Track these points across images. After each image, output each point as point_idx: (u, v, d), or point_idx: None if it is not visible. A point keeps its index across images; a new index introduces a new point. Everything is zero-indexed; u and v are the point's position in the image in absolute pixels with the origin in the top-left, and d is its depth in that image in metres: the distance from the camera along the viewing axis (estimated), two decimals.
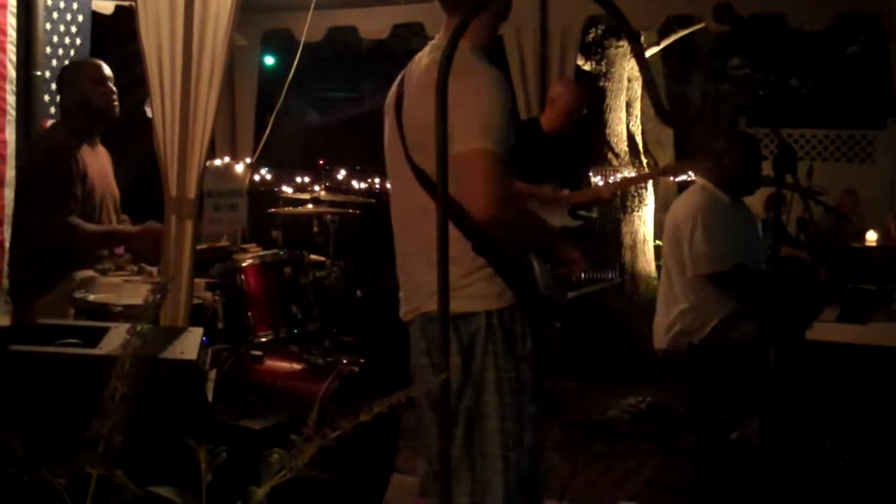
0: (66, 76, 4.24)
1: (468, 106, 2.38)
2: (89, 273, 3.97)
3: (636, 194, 8.72)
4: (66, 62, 4.64)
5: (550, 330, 2.77)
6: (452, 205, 2.40)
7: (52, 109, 4.46)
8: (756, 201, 8.19)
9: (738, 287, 4.32)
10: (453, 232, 2.42)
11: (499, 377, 2.53)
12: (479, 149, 2.38)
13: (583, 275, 8.89)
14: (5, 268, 3.47)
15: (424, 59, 2.64)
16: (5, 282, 3.48)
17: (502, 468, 2.54)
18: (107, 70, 4.19)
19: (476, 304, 2.54)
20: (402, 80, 2.68)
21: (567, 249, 2.73)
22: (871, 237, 9.47)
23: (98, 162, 4.20)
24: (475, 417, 2.54)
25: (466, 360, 2.53)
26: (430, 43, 2.73)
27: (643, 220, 9.04)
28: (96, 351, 2.66)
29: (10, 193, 3.49)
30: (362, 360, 4.01)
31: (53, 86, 4.44)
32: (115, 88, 4.19)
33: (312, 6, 4.76)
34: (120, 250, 4.29)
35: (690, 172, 5.33)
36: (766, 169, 3.90)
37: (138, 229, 4.17)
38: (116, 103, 4.20)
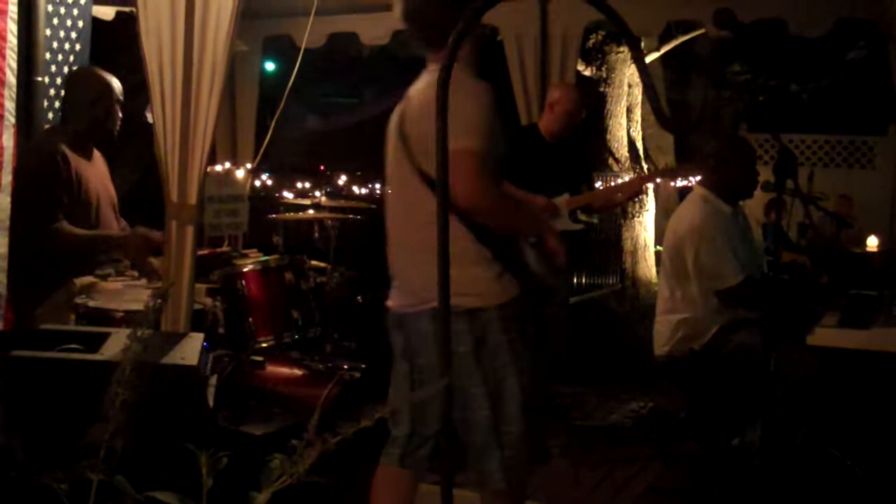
0: (77, 82, 4.21)
1: (456, 112, 2.55)
2: (89, 279, 3.96)
3: (637, 199, 8.72)
4: (76, 67, 4.61)
5: (554, 327, 3.00)
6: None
7: (51, 115, 4.44)
8: (755, 206, 8.20)
9: (747, 301, 4.30)
10: (466, 234, 2.86)
11: (514, 361, 2.90)
12: (464, 147, 2.73)
13: (584, 280, 8.90)
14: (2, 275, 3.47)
15: (421, 83, 3.02)
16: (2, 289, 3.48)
17: (524, 441, 2.92)
18: (119, 90, 4.17)
19: (487, 300, 2.88)
20: (403, 107, 3.03)
21: (550, 236, 3.05)
22: (872, 242, 9.47)
23: (94, 167, 4.18)
24: (497, 399, 2.89)
25: (478, 349, 2.87)
26: (425, 72, 3.09)
27: (644, 226, 9.04)
28: (97, 356, 2.66)
29: (5, 199, 3.49)
30: (363, 366, 4.01)
31: (52, 90, 4.43)
32: (120, 112, 4.18)
33: (313, 12, 4.77)
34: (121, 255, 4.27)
35: (690, 178, 5.34)
36: (767, 174, 3.90)
37: (126, 233, 4.15)
38: (120, 124, 4.19)
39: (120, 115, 4.18)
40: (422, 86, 3.00)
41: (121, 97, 4.18)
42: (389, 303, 3.15)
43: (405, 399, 2.98)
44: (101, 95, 4.11)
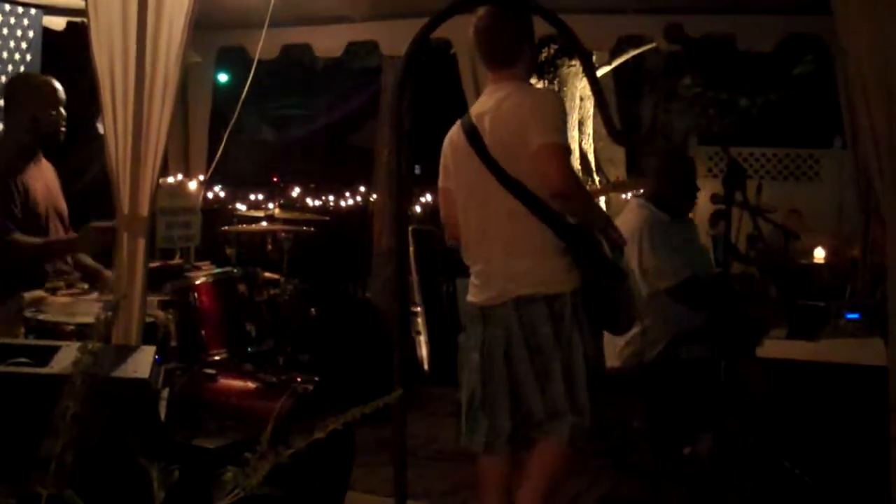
0: (16, 89, 4.15)
1: (541, 112, 3.27)
2: (39, 293, 3.91)
3: None
4: (19, 75, 4.56)
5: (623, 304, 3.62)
6: (537, 202, 3.25)
7: (1, 126, 4.39)
8: (702, 218, 8.30)
9: (695, 297, 4.35)
10: (547, 229, 3.27)
11: (583, 339, 3.29)
12: (553, 141, 3.20)
13: None
14: None
15: (491, 101, 3.42)
16: None
17: (591, 410, 3.32)
18: (61, 92, 4.12)
19: (563, 286, 3.30)
20: (470, 125, 3.41)
21: (613, 227, 3.44)
22: (819, 254, 9.63)
23: (42, 177, 4.13)
24: (570, 371, 3.27)
25: (556, 328, 3.26)
26: (486, 92, 3.54)
27: None
28: (47, 370, 2.63)
29: None
30: (316, 378, 4.00)
31: (2, 101, 4.37)
32: (65, 112, 4.13)
33: (266, 24, 4.76)
34: (64, 265, 4.19)
35: (641, 190, 5.41)
36: (717, 187, 3.96)
37: (80, 234, 4.08)
38: (64, 128, 4.13)
39: (63, 117, 4.12)
40: (493, 103, 3.38)
41: (62, 98, 4.12)
42: (471, 298, 3.47)
43: (483, 388, 3.37)
44: (46, 99, 4.06)
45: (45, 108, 4.05)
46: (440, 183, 3.64)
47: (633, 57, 9.31)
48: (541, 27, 3.43)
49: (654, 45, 7.20)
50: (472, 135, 3.39)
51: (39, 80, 4.22)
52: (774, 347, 3.84)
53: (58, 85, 4.13)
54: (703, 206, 4.83)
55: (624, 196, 9.01)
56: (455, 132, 3.53)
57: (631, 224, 4.50)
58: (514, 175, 3.28)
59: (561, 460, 3.38)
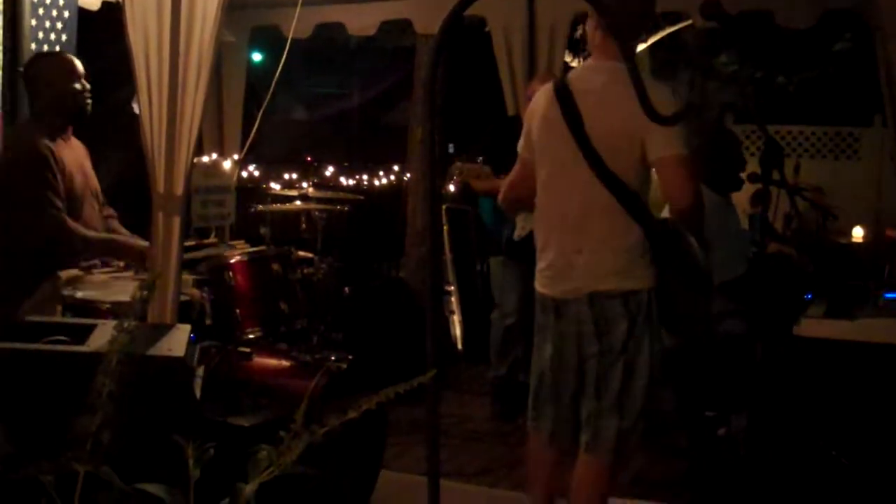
0: (34, 70, 4.13)
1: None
2: (75, 271, 3.94)
3: None
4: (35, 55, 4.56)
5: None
6: (634, 199, 3.09)
7: None
8: (742, 197, 8.21)
9: (747, 291, 4.32)
10: (630, 224, 3.10)
11: (651, 341, 3.15)
12: (681, 154, 3.06)
13: None
14: None
15: (595, 78, 3.19)
16: None
17: (640, 415, 3.18)
18: (78, 64, 4.11)
19: (642, 283, 3.15)
20: (569, 102, 3.18)
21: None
22: (858, 233, 9.51)
23: (73, 155, 4.14)
24: (629, 373, 3.15)
25: (632, 325, 3.13)
26: (587, 63, 3.34)
27: None
28: (83, 348, 2.65)
29: None
30: (350, 357, 4.01)
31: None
32: (88, 84, 4.13)
33: (300, 3, 4.75)
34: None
35: None
36: (754, 165, 3.92)
37: (140, 249, 4.07)
38: (90, 100, 4.14)
39: (87, 89, 4.12)
40: (598, 84, 3.15)
41: (81, 71, 4.10)
42: (543, 290, 3.32)
43: (553, 377, 3.29)
44: (64, 73, 4.06)
45: (66, 84, 4.05)
46: (519, 149, 3.45)
47: (669, 34, 9.20)
48: (575, 4, 3.40)
49: (690, 21, 7.11)
50: (572, 115, 3.17)
51: (56, 56, 4.22)
52: (812, 327, 3.80)
53: (75, 59, 4.13)
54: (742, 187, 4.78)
55: None
56: (546, 101, 3.30)
57: None
58: (614, 169, 3.10)
59: (607, 472, 3.25)
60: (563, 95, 3.22)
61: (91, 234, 4.02)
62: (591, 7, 3.15)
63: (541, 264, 3.34)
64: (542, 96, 3.33)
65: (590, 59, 3.33)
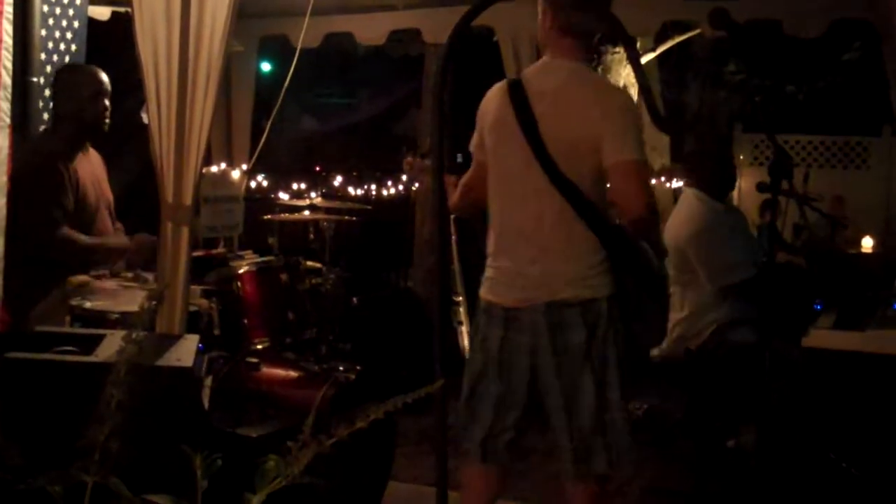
0: (63, 81, 4.19)
1: (620, 122, 2.95)
2: (83, 277, 3.95)
3: None
4: (67, 65, 4.60)
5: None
6: (590, 207, 2.96)
7: (46, 115, 4.43)
8: (751, 207, 8.20)
9: (759, 293, 4.31)
10: (586, 232, 2.97)
11: (617, 351, 2.99)
12: (635, 159, 2.93)
13: None
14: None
15: (551, 78, 3.05)
16: None
17: (626, 429, 3.02)
18: (106, 82, 4.14)
19: (600, 291, 3.00)
20: (523, 104, 3.02)
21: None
22: (867, 243, 9.49)
23: (90, 167, 4.17)
24: (603, 386, 2.98)
25: (590, 336, 2.96)
26: (542, 62, 3.15)
27: None
28: (92, 358, 2.66)
29: (1, 200, 3.47)
30: (358, 368, 4.01)
31: (47, 91, 4.41)
32: (108, 104, 4.16)
33: (309, 12, 4.76)
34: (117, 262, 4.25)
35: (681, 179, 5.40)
36: (762, 175, 3.91)
37: (133, 243, 4.14)
38: (108, 119, 4.17)
39: (107, 107, 4.16)
40: (552, 85, 3.02)
41: (107, 89, 4.15)
42: (490, 297, 3.17)
43: (495, 391, 3.10)
44: (91, 89, 4.09)
45: (90, 99, 4.08)
46: (472, 151, 3.27)
47: (678, 43, 9.22)
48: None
49: (699, 30, 7.12)
50: (526, 117, 3.01)
51: (85, 70, 4.25)
52: (822, 338, 3.78)
53: (103, 75, 4.17)
54: (750, 195, 4.80)
55: (668, 184, 8.95)
56: (499, 101, 3.12)
57: (692, 220, 4.49)
58: (570, 176, 2.96)
59: (600, 499, 3.12)
60: (517, 96, 3.05)
61: (84, 238, 4.02)
62: (547, 4, 3.09)
63: (490, 272, 3.19)
64: (494, 95, 3.16)
65: (545, 57, 3.15)
